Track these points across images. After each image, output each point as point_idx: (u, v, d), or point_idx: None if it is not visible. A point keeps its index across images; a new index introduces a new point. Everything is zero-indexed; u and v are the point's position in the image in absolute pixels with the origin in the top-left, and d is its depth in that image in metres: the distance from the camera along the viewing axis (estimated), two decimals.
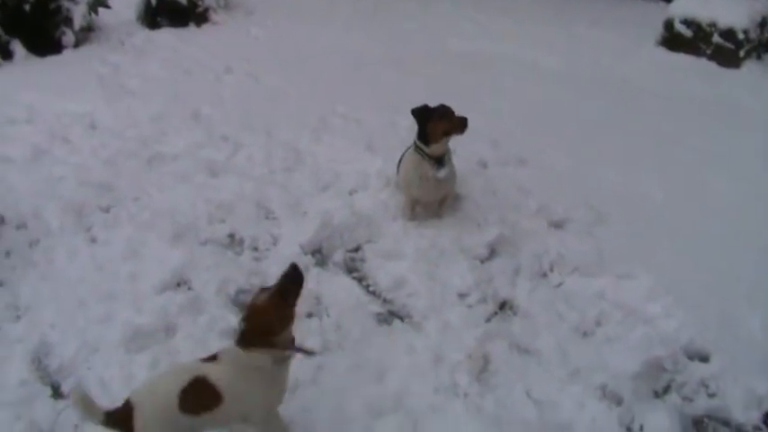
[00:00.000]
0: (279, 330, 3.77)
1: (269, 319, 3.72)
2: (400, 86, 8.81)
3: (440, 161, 5.78)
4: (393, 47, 10.59)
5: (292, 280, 3.81)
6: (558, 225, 6.19)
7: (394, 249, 5.88)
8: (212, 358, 3.85)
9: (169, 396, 3.68)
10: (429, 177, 5.82)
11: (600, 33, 11.09)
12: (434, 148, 5.73)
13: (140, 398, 3.69)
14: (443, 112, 5.67)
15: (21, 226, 6.21)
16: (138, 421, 3.61)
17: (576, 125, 8.03)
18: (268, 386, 3.92)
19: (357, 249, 5.99)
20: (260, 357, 3.75)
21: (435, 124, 5.64)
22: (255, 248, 6.00)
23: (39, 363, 4.90)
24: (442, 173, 5.81)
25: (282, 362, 3.91)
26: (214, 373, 3.75)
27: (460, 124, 5.62)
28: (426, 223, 6.14)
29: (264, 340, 3.72)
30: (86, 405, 3.60)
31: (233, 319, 5.13)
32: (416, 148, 5.84)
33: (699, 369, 4.78)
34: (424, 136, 5.73)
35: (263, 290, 3.83)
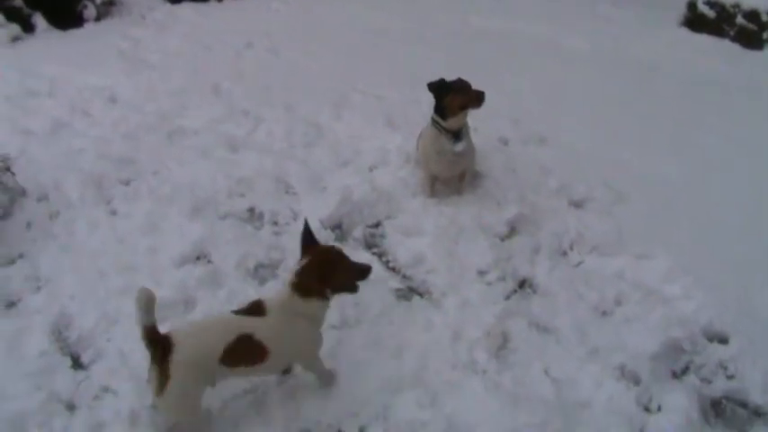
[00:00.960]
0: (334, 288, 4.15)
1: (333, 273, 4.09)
2: (421, 63, 8.75)
3: (457, 135, 5.78)
4: (414, 23, 10.57)
5: (364, 271, 4.21)
6: (577, 204, 6.17)
7: (414, 226, 5.87)
8: (257, 309, 4.08)
9: (213, 350, 3.89)
10: (446, 151, 5.82)
11: (622, 13, 11.00)
12: (452, 122, 5.72)
13: (182, 341, 3.85)
14: (460, 86, 5.67)
15: (41, 198, 6.24)
16: (174, 362, 3.78)
17: (597, 104, 7.99)
18: (314, 333, 4.24)
19: (377, 225, 5.99)
20: (314, 306, 4.10)
21: (452, 98, 5.64)
22: (275, 223, 6.01)
23: (59, 334, 4.94)
24: (460, 147, 5.80)
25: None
26: (260, 329, 3.99)
27: (477, 98, 5.61)
28: (446, 200, 6.13)
29: (322, 291, 4.10)
30: (146, 307, 3.77)
31: (252, 293, 5.14)
32: (434, 122, 5.83)
33: (717, 351, 4.76)
34: (441, 110, 5.72)
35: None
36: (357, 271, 4.20)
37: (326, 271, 4.07)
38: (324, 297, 4.12)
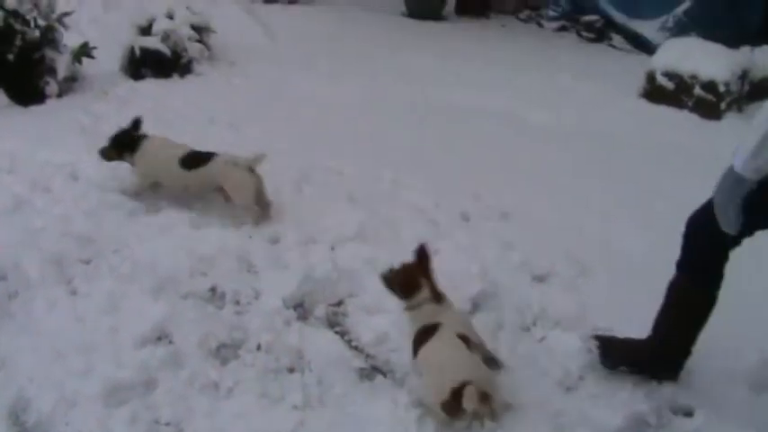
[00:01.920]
0: None
1: None
2: (381, 137, 8.78)
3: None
4: (375, 98, 10.64)
5: None
6: (540, 279, 6.20)
7: (376, 304, 5.83)
8: None
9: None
10: None
11: (582, 85, 11.20)
12: None
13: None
14: None
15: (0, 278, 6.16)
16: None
17: (559, 177, 8.08)
18: None
19: (339, 304, 5.96)
20: None
21: None
22: (237, 302, 5.95)
23: (16, 418, 4.81)
24: None
25: None
26: None
27: None
28: None
29: None
30: None
31: (214, 374, 5.10)
32: None
33: (683, 424, 4.78)
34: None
35: None
36: None
37: None
38: None
